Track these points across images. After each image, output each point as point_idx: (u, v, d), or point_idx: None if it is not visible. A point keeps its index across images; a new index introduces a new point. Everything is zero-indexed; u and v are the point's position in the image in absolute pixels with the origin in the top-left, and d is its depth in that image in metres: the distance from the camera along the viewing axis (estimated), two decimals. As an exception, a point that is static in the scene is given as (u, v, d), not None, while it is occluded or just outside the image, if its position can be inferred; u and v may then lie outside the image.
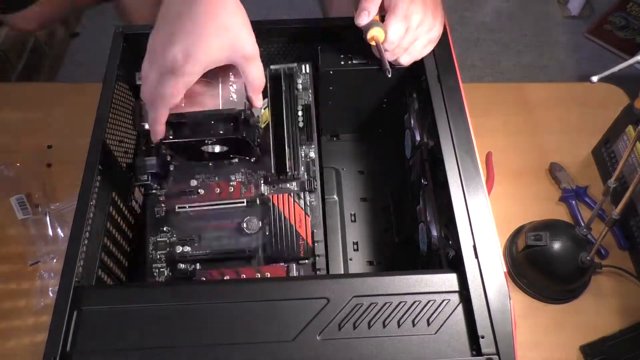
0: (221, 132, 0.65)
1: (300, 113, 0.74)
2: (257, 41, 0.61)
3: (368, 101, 0.80)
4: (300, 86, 0.76)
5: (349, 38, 0.75)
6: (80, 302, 0.54)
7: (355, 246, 0.77)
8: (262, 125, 0.72)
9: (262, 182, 0.72)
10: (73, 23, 1.88)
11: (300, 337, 0.52)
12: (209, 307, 0.54)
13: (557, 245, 0.75)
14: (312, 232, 0.68)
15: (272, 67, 0.75)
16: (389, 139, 0.85)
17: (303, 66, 0.77)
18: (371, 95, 0.79)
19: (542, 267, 0.75)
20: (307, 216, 0.69)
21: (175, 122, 0.64)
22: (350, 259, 0.75)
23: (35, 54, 1.59)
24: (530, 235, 0.75)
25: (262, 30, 0.71)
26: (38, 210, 0.84)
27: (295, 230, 0.68)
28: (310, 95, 0.75)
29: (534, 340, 0.74)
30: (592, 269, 0.76)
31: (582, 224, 0.81)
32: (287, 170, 0.70)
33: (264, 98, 0.67)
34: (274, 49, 0.78)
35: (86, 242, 0.59)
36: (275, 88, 0.74)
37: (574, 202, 0.85)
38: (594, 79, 0.58)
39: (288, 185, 0.71)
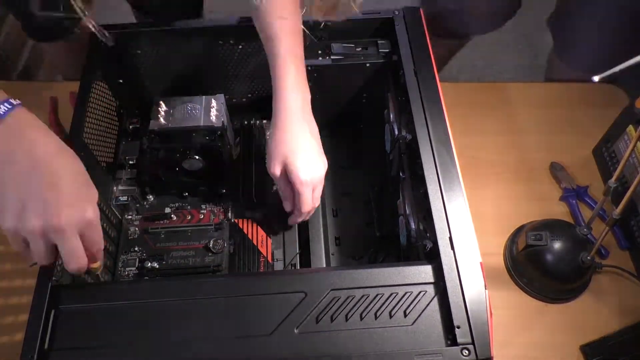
0: (200, 142, 0.74)
1: None
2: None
3: (348, 96, 0.81)
4: (268, 136, 0.82)
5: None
6: (59, 301, 0.54)
7: (337, 241, 0.77)
8: (234, 157, 0.81)
9: (230, 207, 0.79)
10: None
11: (277, 331, 0.52)
12: (187, 303, 0.54)
13: (557, 245, 0.74)
14: (272, 252, 0.75)
15: (245, 121, 0.85)
16: (370, 134, 0.85)
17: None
18: (351, 90, 0.80)
19: (542, 267, 0.75)
20: (268, 238, 0.76)
21: (162, 133, 0.73)
22: (332, 254, 0.76)
23: (35, 53, 1.59)
24: (531, 234, 0.75)
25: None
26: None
27: (257, 249, 0.74)
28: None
29: (534, 340, 0.74)
30: (593, 268, 0.75)
31: (583, 224, 0.80)
32: (254, 196, 0.78)
33: (236, 138, 0.83)
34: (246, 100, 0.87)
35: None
36: (247, 135, 0.84)
37: (574, 201, 0.85)
38: (595, 78, 0.58)
39: (253, 212, 0.79)
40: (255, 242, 0.75)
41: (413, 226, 0.65)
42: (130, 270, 0.74)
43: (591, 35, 0.96)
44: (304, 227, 0.78)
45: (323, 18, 0.69)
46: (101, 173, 0.74)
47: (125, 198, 0.76)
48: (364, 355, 0.51)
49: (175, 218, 0.78)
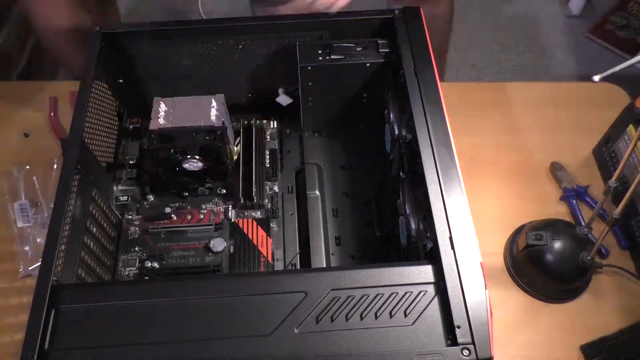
0: (200, 142, 0.74)
1: (267, 154, 0.84)
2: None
3: (348, 96, 0.81)
4: (268, 137, 0.86)
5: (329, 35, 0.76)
6: (58, 300, 0.54)
7: (337, 241, 0.77)
8: (234, 157, 0.81)
9: (230, 207, 0.79)
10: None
11: (277, 331, 0.52)
12: (188, 303, 0.54)
13: (557, 245, 0.74)
14: (272, 252, 0.76)
15: (245, 122, 0.85)
16: (370, 134, 0.85)
17: (271, 122, 0.88)
18: (351, 90, 0.80)
19: (542, 267, 0.75)
20: (269, 238, 0.76)
21: (162, 133, 0.73)
22: (332, 254, 0.76)
23: (36, 53, 1.59)
24: (531, 234, 0.75)
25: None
26: (42, 208, 0.84)
27: (257, 249, 0.75)
28: (277, 144, 0.85)
29: (534, 340, 0.74)
30: (593, 268, 0.75)
31: (583, 224, 0.80)
32: (254, 196, 0.78)
33: (236, 138, 0.82)
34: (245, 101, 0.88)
35: (65, 240, 0.59)
36: (247, 135, 0.84)
37: (574, 201, 0.85)
38: (596, 78, 0.58)
39: (253, 213, 0.79)
40: (255, 242, 0.76)
41: (413, 226, 0.65)
42: (130, 270, 0.74)
43: None
44: (304, 227, 0.78)
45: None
46: (101, 173, 0.74)
47: (125, 198, 0.77)
48: (364, 355, 0.51)
49: (175, 218, 0.78)
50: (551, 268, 0.75)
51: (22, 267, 0.79)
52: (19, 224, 0.82)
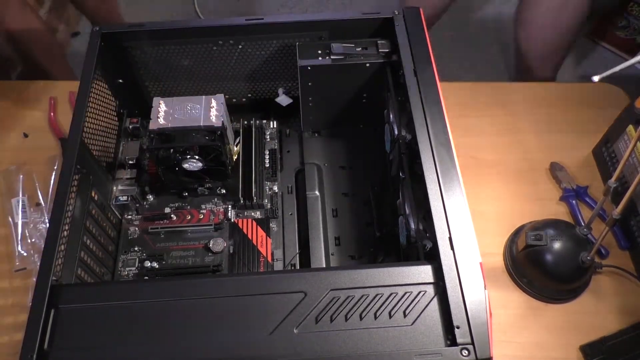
0: (200, 142, 0.74)
1: (267, 154, 0.84)
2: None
3: (348, 96, 0.81)
4: (268, 137, 0.86)
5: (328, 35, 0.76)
6: (58, 300, 0.54)
7: (337, 241, 0.77)
8: (234, 158, 0.82)
9: (230, 207, 0.79)
10: (73, 23, 1.88)
11: (277, 331, 0.52)
12: (187, 303, 0.54)
13: (557, 245, 0.74)
14: (272, 252, 0.76)
15: (245, 122, 0.86)
16: (370, 134, 0.85)
17: (271, 122, 0.88)
18: (351, 90, 0.80)
19: (542, 267, 0.75)
20: (268, 238, 0.77)
21: (162, 133, 0.74)
22: (332, 254, 0.76)
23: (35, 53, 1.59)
24: (531, 234, 0.75)
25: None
26: (42, 207, 0.84)
27: (257, 249, 0.75)
28: (276, 144, 0.86)
29: (534, 340, 0.74)
30: (593, 268, 0.76)
31: (583, 224, 0.80)
32: (253, 196, 0.78)
33: (236, 138, 0.83)
34: (247, 100, 0.89)
35: (65, 240, 0.59)
36: (247, 135, 0.84)
37: (574, 201, 0.85)
38: (595, 78, 0.57)
39: (253, 213, 0.80)
40: (255, 242, 0.76)
41: (413, 226, 0.65)
42: (130, 270, 0.74)
43: None
44: (303, 227, 0.78)
45: None
46: (101, 173, 0.74)
47: (125, 198, 0.77)
48: (363, 356, 0.51)
49: (175, 218, 0.78)
50: (551, 268, 0.74)
51: (17, 262, 0.80)
52: (16, 220, 0.83)
